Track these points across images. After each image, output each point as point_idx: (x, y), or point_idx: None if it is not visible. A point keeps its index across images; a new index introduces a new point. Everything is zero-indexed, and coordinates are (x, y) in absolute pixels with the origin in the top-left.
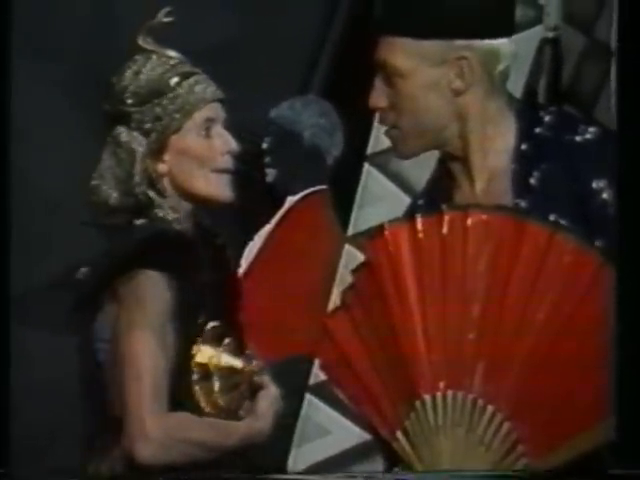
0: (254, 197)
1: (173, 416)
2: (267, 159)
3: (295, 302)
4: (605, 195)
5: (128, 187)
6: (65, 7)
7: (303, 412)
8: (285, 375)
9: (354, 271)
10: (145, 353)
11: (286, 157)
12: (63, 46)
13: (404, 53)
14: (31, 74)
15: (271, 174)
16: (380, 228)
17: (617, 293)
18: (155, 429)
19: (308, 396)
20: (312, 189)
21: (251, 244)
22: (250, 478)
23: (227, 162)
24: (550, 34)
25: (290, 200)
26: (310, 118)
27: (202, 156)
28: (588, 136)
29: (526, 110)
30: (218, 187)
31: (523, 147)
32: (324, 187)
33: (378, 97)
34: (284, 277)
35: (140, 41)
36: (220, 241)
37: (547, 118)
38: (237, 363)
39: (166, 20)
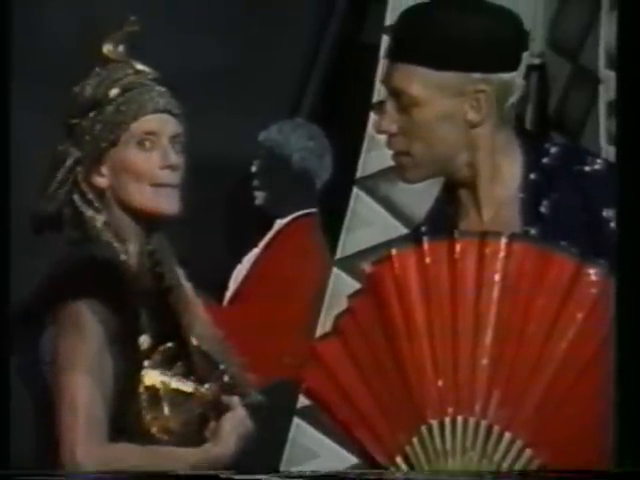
0: (242, 220)
1: (109, 447)
2: (256, 182)
3: (283, 325)
4: (615, 224)
5: (49, 192)
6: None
7: (291, 435)
8: (273, 399)
9: (351, 296)
10: (80, 386)
11: (275, 180)
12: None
13: (422, 82)
14: (30, 98)
15: (260, 197)
16: (387, 253)
17: (617, 326)
18: (87, 461)
19: (296, 420)
20: (301, 212)
21: (239, 267)
22: (247, 478)
23: (166, 176)
24: (536, 60)
25: (278, 223)
26: (299, 141)
27: (139, 170)
28: (597, 166)
29: (531, 141)
30: (158, 201)
31: (532, 177)
32: (313, 210)
33: (389, 122)
34: (272, 300)
35: (106, 51)
36: (161, 268)
37: (553, 150)
38: (187, 387)
39: (132, 30)
